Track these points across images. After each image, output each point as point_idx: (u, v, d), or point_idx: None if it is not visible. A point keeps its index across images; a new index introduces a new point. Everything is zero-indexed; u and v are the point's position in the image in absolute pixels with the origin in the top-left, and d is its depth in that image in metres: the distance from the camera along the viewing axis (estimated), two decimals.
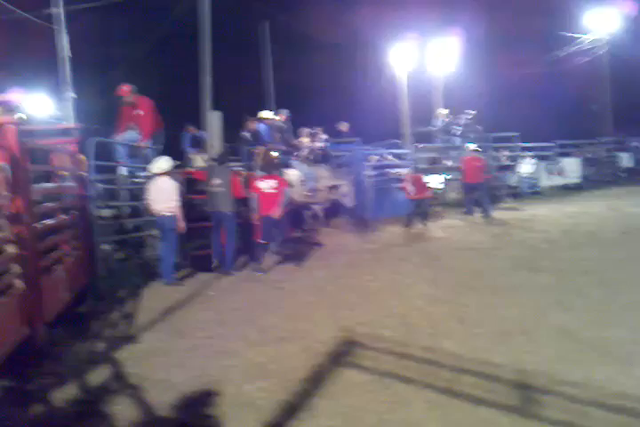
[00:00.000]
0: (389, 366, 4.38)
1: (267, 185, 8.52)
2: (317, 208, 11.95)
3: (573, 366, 4.14)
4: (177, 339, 5.46)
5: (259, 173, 9.80)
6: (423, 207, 12.07)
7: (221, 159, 9.14)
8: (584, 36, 22.16)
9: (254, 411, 3.75)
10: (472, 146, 14.01)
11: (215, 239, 8.58)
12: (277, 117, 13.14)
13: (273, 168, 9.31)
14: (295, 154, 12.68)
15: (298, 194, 10.92)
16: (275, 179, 8.65)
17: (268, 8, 20.69)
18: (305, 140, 13.19)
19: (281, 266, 8.77)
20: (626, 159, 20.13)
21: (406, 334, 5.18)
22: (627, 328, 4.85)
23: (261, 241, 8.54)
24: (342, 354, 4.70)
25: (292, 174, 11.06)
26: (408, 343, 4.85)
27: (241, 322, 5.91)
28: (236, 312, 6.34)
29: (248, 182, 9.17)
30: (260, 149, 10.85)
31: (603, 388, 3.76)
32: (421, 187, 12.13)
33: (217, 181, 8.42)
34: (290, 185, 9.69)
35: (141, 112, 9.72)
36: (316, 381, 4.17)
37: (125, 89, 9.64)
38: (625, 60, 22.48)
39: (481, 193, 13.16)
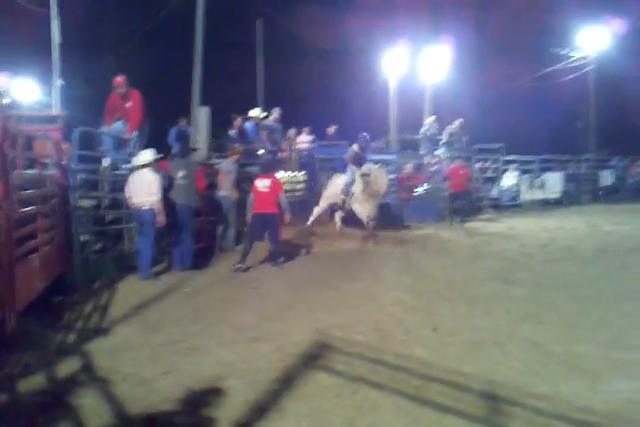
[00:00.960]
0: (361, 370, 4.39)
1: (262, 184, 8.64)
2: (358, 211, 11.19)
3: (541, 379, 4.18)
4: (150, 334, 5.42)
5: (225, 166, 9.84)
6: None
7: (185, 152, 9.16)
8: (573, 53, 22.41)
9: (224, 410, 3.74)
10: (442, 152, 14.20)
11: (176, 235, 8.55)
12: (263, 115, 13.13)
13: (270, 168, 9.48)
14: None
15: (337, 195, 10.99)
16: (270, 178, 8.76)
17: (261, 12, 20.68)
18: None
19: (261, 265, 8.77)
20: (607, 177, 20.41)
21: (379, 339, 5.19)
22: (596, 344, 4.91)
23: (251, 238, 8.64)
24: (315, 356, 4.70)
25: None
26: (380, 349, 4.87)
27: (215, 320, 5.89)
28: (211, 310, 6.32)
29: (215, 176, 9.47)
30: (234, 147, 10.73)
31: (569, 402, 3.80)
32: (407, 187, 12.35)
33: (181, 174, 8.41)
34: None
35: (131, 104, 9.69)
36: (286, 382, 4.17)
37: (120, 80, 9.61)
38: (611, 79, 22.84)
39: (463, 201, 13.33)
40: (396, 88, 18.81)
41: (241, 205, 10.19)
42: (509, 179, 17.11)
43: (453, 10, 24.79)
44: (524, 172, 17.92)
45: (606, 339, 5.04)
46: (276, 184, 8.75)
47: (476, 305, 6.32)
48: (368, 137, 11.48)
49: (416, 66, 19.04)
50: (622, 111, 25.54)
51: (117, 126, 9.81)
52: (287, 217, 8.81)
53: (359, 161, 10.93)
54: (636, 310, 5.91)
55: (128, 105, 9.68)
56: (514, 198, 17.42)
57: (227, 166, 9.89)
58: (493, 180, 17.24)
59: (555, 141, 22.70)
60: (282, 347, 4.95)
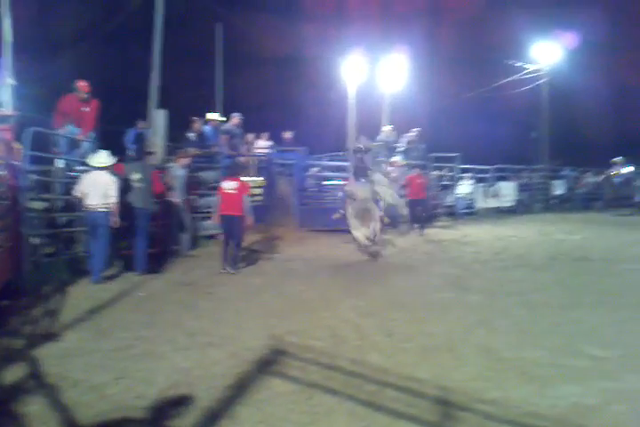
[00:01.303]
0: (315, 376, 4.39)
1: (229, 186, 8.67)
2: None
3: (492, 385, 4.25)
4: (101, 339, 5.32)
5: (173, 171, 9.79)
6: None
7: (141, 154, 9.10)
8: (527, 66, 22.95)
9: (176, 416, 3.69)
10: (397, 159, 14.40)
11: (131, 238, 8.46)
12: (222, 119, 13.08)
13: (237, 170, 9.63)
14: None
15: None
16: (237, 181, 8.81)
17: (220, 16, 20.54)
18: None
19: (217, 270, 8.70)
20: (559, 187, 20.99)
21: (334, 345, 5.20)
22: (545, 350, 5.02)
23: (226, 240, 8.68)
24: (269, 362, 4.68)
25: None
26: (335, 355, 4.88)
27: (169, 325, 5.81)
28: (164, 315, 6.23)
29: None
30: (183, 151, 10.64)
31: (518, 407, 3.87)
32: None
33: (137, 177, 8.31)
34: None
35: (88, 110, 9.68)
36: (240, 388, 4.14)
37: (84, 85, 9.55)
38: (563, 92, 23.50)
39: (421, 209, 13.53)
40: (354, 96, 18.92)
41: (193, 210, 10.14)
42: (464, 187, 17.39)
43: (412, 21, 25.23)
44: (479, 180, 18.26)
45: (555, 345, 5.16)
46: (243, 186, 8.83)
47: (431, 311, 6.39)
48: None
49: (375, 75, 19.20)
50: (573, 123, 26.37)
51: (71, 129, 9.69)
52: (249, 220, 8.79)
53: (358, 173, 10.77)
54: (584, 316, 6.07)
55: (85, 110, 9.66)
56: (469, 206, 17.71)
57: (175, 171, 9.79)
58: (449, 187, 17.50)
59: (509, 151, 23.17)
60: (236, 353, 4.92)
